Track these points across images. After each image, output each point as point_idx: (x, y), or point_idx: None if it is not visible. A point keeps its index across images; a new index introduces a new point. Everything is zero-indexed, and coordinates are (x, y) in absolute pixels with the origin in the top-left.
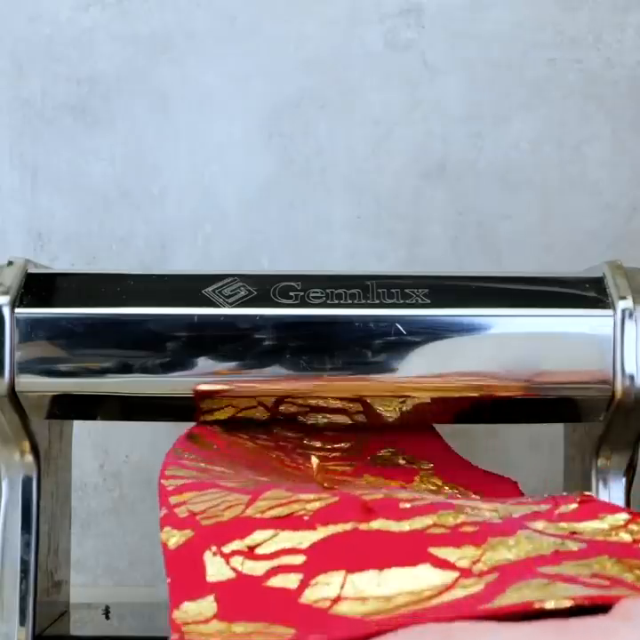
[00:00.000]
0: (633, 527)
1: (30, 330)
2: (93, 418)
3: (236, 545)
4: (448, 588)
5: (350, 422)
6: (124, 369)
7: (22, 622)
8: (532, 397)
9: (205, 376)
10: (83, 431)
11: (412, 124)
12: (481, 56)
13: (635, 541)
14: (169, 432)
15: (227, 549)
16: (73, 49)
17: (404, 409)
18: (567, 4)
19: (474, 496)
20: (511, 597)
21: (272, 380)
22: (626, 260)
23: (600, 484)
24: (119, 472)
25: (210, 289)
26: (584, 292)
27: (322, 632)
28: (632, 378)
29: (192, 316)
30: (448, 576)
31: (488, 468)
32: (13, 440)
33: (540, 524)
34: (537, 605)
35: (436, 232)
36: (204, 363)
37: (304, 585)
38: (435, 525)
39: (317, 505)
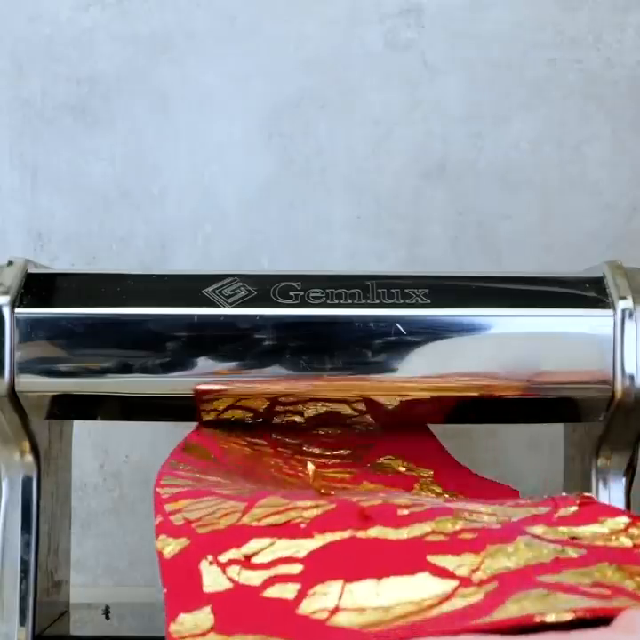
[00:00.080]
0: (633, 531)
1: (30, 330)
2: (93, 418)
3: (233, 554)
4: (448, 597)
5: (350, 411)
6: (124, 369)
7: (22, 622)
8: (532, 397)
9: (205, 376)
10: (83, 431)
11: (411, 124)
12: (481, 56)
13: (635, 546)
14: (169, 432)
15: (223, 558)
16: (73, 49)
17: (404, 409)
18: (567, 3)
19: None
20: (511, 610)
21: (272, 380)
22: (626, 260)
23: (600, 485)
24: (119, 472)
25: (210, 289)
26: (584, 292)
27: None
28: (632, 378)
29: (192, 315)
30: (447, 585)
31: (488, 469)
32: (13, 440)
33: (539, 529)
34: (537, 619)
35: (436, 232)
36: (204, 363)
37: (302, 595)
38: (433, 532)
39: (314, 512)
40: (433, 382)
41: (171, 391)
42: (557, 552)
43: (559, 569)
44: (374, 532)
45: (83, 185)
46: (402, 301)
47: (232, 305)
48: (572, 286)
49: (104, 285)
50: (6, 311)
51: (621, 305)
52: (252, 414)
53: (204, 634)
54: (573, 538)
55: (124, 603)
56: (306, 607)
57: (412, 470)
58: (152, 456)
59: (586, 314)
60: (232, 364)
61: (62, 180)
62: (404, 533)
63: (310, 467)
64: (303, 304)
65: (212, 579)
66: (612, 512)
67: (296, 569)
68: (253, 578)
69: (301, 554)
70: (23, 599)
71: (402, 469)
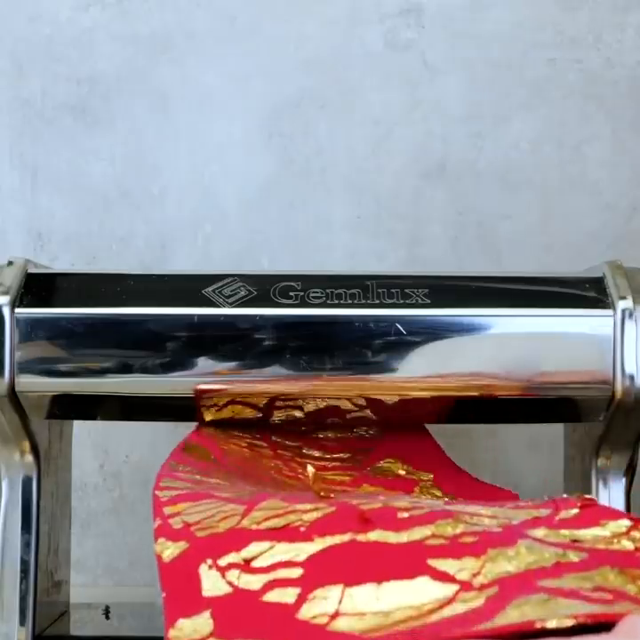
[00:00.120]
0: (635, 534)
1: (30, 330)
2: (93, 418)
3: (232, 557)
4: (449, 601)
5: (350, 406)
6: (124, 369)
7: (22, 622)
8: (532, 397)
9: (205, 376)
10: (83, 431)
11: (411, 124)
12: (481, 56)
13: (637, 549)
14: (169, 432)
15: (222, 562)
16: (73, 49)
17: (404, 409)
18: (567, 3)
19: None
20: (511, 615)
21: (272, 380)
22: (626, 260)
23: (600, 485)
24: (119, 472)
25: (210, 289)
26: (584, 292)
27: None
28: (632, 378)
29: (192, 315)
30: (448, 589)
31: (488, 468)
32: (13, 440)
33: (540, 532)
34: (538, 625)
35: (436, 232)
36: (204, 363)
37: (301, 599)
38: (434, 536)
39: (314, 515)
40: (433, 382)
41: (171, 391)
42: (559, 556)
43: (560, 573)
44: (374, 535)
45: (83, 185)
46: (402, 301)
47: (232, 305)
48: (571, 286)
49: (104, 285)
50: (6, 311)
51: (621, 305)
52: (251, 409)
53: (203, 639)
54: (575, 541)
55: (123, 603)
56: (306, 612)
57: (412, 474)
58: (152, 456)
59: (586, 314)
60: (232, 364)
61: (62, 180)
62: (404, 537)
63: (310, 469)
64: (303, 304)
65: (212, 583)
66: (614, 515)
67: (296, 573)
68: (253, 582)
69: (301, 557)
70: (23, 599)
71: (402, 473)
